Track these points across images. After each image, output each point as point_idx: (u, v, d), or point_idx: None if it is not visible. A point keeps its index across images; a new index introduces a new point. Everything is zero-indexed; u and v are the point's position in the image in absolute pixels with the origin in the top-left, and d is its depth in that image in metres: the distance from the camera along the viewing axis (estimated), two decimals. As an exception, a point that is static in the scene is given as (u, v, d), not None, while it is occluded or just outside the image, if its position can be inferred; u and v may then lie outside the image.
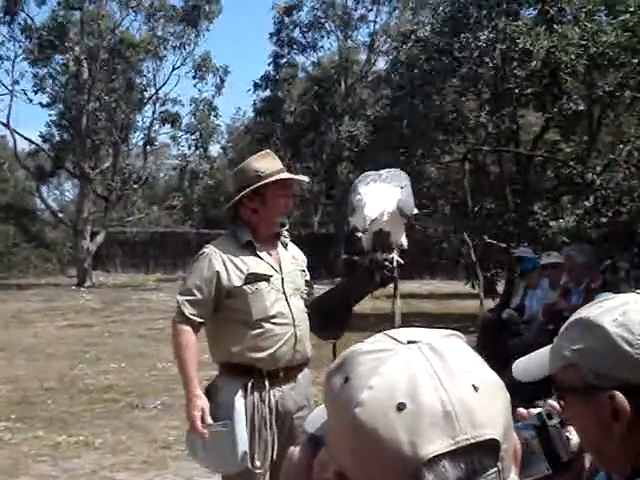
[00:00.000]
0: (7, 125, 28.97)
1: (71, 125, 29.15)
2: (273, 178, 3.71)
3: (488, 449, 0.88)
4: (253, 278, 3.70)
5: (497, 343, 8.59)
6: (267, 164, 3.77)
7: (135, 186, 30.20)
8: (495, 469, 0.88)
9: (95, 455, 6.93)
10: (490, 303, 13.26)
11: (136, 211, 32.99)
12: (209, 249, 3.77)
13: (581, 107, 15.18)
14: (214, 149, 34.99)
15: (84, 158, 28.39)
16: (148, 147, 30.97)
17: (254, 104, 34.63)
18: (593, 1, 14.18)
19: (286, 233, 3.92)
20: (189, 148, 30.96)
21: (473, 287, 15.89)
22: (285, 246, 3.92)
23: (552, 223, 13.45)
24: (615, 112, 15.90)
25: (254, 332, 3.67)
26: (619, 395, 1.34)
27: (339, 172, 27.66)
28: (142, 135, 30.77)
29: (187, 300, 3.69)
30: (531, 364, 1.53)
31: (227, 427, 3.59)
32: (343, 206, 23.72)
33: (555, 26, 13.85)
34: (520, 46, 13.66)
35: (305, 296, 3.90)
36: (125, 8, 28.84)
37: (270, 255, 3.82)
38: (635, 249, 11.73)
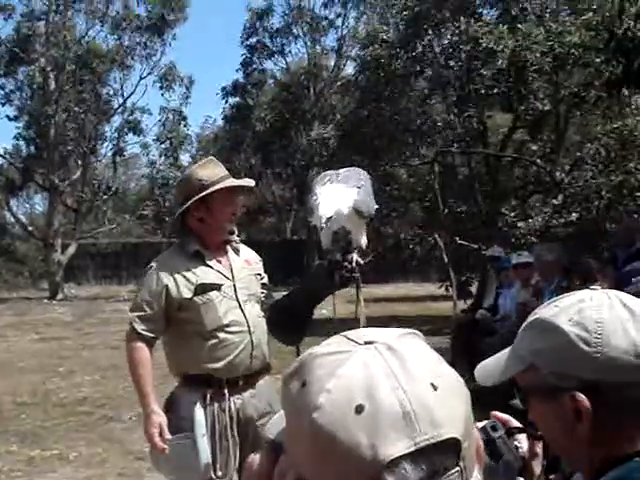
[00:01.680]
0: (-26, 139, 28.71)
1: (39, 137, 28.91)
2: (217, 186, 3.64)
3: (449, 449, 0.87)
4: (203, 289, 3.65)
5: (471, 344, 8.64)
6: (210, 172, 3.69)
7: (105, 197, 30.02)
8: (457, 469, 0.87)
9: (70, 469, 6.87)
10: (463, 304, 13.32)
11: (107, 222, 32.76)
12: (157, 262, 3.73)
13: (547, 106, 15.29)
14: (184, 158, 34.91)
15: (53, 170, 28.13)
16: (117, 157, 30.81)
17: (223, 111, 34.62)
18: (556, 0, 14.29)
19: (237, 239, 3.86)
20: (160, 156, 30.89)
21: (447, 290, 15.93)
22: (237, 252, 3.85)
23: (521, 223, 13.52)
24: (581, 111, 16.03)
25: (210, 343, 3.63)
26: (580, 395, 1.33)
27: (310, 178, 27.65)
28: (111, 145, 30.63)
29: (138, 316, 3.66)
30: (492, 368, 1.50)
31: (188, 439, 3.57)
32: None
33: (519, 25, 13.96)
34: (484, 45, 13.75)
35: (263, 299, 3.84)
36: (91, 19, 28.70)
37: (220, 263, 3.76)
38: (604, 246, 11.82)
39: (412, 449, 0.84)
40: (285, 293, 3.77)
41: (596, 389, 1.33)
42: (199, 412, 3.59)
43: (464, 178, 17.49)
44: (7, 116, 29.48)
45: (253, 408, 3.73)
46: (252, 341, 3.69)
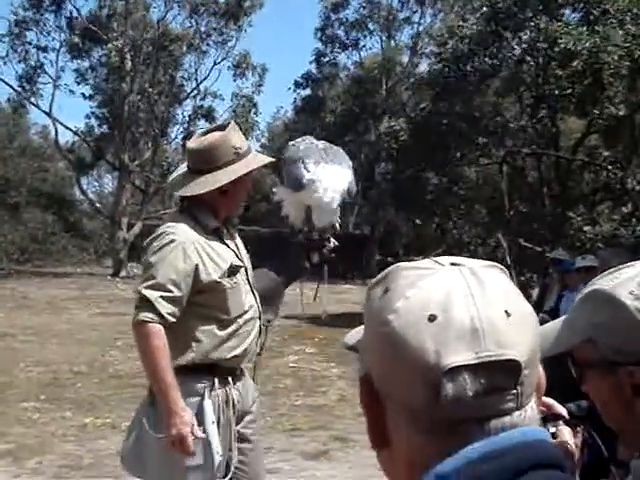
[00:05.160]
0: (49, 114, 29.34)
1: (112, 117, 29.42)
2: (253, 160, 3.29)
3: (509, 370, 0.90)
4: (231, 271, 3.21)
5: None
6: (241, 140, 3.28)
7: (173, 179, 30.33)
8: (514, 391, 0.91)
9: (120, 437, 6.84)
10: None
11: (173, 204, 33.16)
12: (179, 236, 3.14)
13: (623, 112, 14.99)
14: (253, 146, 35.11)
15: (124, 150, 28.62)
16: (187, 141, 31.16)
17: (294, 102, 34.76)
18: (638, 4, 13.97)
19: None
20: (227, 142, 31.14)
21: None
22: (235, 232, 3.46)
23: (588, 229, 13.29)
24: (658, 118, 15.70)
25: (228, 330, 3.21)
26: (639, 371, 1.28)
27: (376, 173, 27.59)
28: (182, 129, 30.98)
29: (162, 296, 3.05)
30: (542, 339, 1.43)
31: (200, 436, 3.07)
32: (378, 206, 23.67)
33: (597, 27, 13.69)
34: (562, 46, 13.51)
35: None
36: (169, 2, 29.06)
37: (232, 243, 3.35)
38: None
39: (474, 362, 0.89)
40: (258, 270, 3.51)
41: None
42: (208, 404, 3.13)
43: (533, 181, 17.28)
44: (82, 94, 30.07)
45: (249, 396, 3.38)
46: (260, 327, 3.37)
